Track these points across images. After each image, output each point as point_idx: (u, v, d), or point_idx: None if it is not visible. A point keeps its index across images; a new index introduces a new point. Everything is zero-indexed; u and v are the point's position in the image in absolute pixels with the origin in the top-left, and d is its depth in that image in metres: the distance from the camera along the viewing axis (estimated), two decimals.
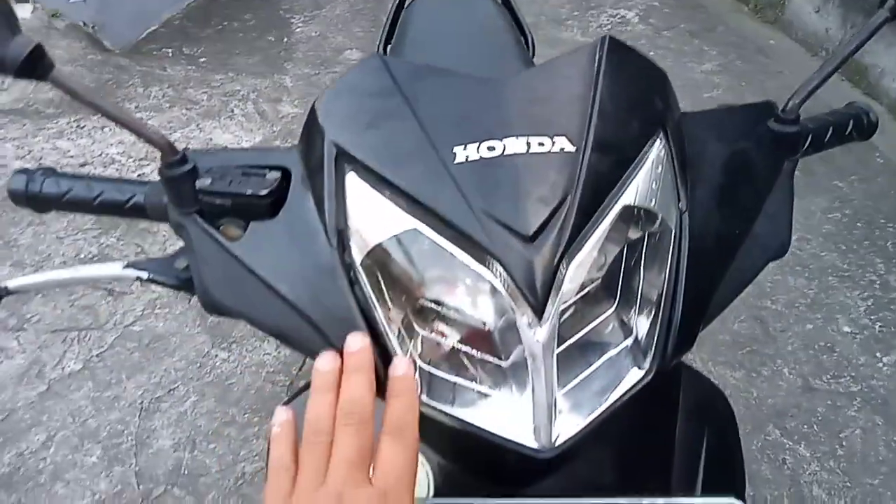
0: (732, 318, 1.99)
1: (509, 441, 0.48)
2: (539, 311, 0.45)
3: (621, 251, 0.52)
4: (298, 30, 3.41)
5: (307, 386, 0.65)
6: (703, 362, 1.88)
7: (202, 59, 3.14)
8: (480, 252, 0.46)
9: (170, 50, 3.18)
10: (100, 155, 2.57)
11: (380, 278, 0.50)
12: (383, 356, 0.49)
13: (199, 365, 1.90)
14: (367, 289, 0.49)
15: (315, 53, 3.23)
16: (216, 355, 1.92)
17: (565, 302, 0.48)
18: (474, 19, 1.29)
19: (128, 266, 0.61)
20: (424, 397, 0.50)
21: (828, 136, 0.65)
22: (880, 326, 1.98)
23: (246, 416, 1.78)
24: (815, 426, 1.73)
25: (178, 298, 2.07)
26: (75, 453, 1.69)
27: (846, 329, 1.98)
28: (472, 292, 0.49)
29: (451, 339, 0.51)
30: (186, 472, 1.66)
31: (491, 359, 0.50)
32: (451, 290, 0.50)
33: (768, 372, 1.86)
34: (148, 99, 2.87)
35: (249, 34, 3.35)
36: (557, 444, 0.48)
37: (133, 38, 3.18)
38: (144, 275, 0.61)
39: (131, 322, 2.01)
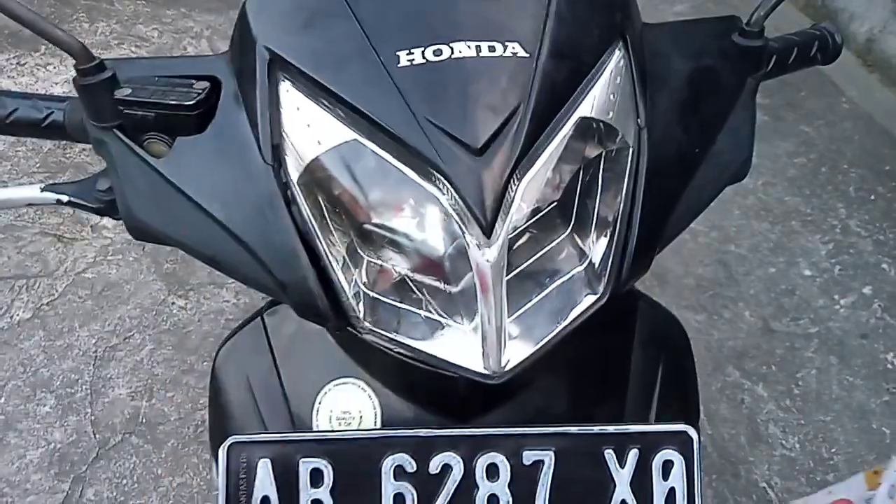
0: (696, 262, 2.00)
1: (457, 366, 0.46)
2: (488, 231, 0.42)
3: (577, 172, 0.49)
4: None
5: (246, 323, 0.62)
6: (666, 306, 1.89)
7: None
8: (425, 166, 0.42)
9: None
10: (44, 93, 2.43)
11: (321, 199, 0.46)
12: (324, 282, 0.46)
13: (154, 313, 1.85)
14: (306, 209, 0.45)
15: None
16: (173, 303, 1.87)
17: (516, 224, 0.45)
18: None
19: (46, 188, 0.56)
20: (368, 324, 0.47)
21: (792, 56, 0.62)
22: (839, 270, 2.01)
23: (205, 363, 1.74)
24: (772, 367, 1.77)
25: (132, 245, 2.00)
26: (27, 403, 1.64)
27: (807, 272, 2.00)
28: (419, 215, 0.46)
29: (398, 265, 0.48)
30: (144, 421, 1.62)
31: (439, 285, 0.48)
32: (396, 212, 0.46)
33: (729, 314, 1.88)
34: (94, 35, 2.71)
35: None
36: (507, 369, 0.46)
37: None
38: (64, 198, 0.56)
39: (83, 269, 1.94)
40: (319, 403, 0.55)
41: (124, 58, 0.53)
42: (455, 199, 0.42)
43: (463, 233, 0.43)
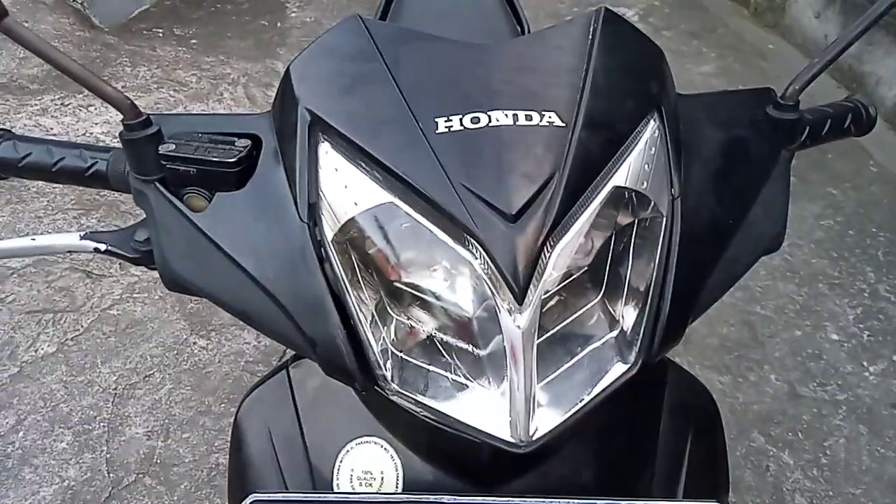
0: (721, 322, 1.97)
1: (484, 433, 0.46)
2: (520, 297, 0.42)
3: (609, 238, 0.49)
4: (293, 14, 3.36)
5: (271, 375, 0.62)
6: (689, 365, 1.85)
7: (193, 41, 3.08)
8: (459, 230, 0.43)
9: (160, 30, 3.12)
10: (83, 133, 2.51)
11: (353, 258, 0.47)
12: (353, 341, 0.46)
13: (176, 352, 1.86)
14: (339, 268, 0.46)
15: (308, 39, 3.17)
16: (194, 343, 1.88)
17: (548, 290, 0.45)
18: (473, 2, 1.27)
19: (85, 237, 0.58)
20: (395, 385, 0.47)
21: (826, 128, 0.62)
22: (868, 335, 1.96)
23: (222, 405, 1.74)
24: (799, 433, 1.72)
25: (158, 283, 2.02)
26: (45, 438, 1.65)
27: (834, 337, 1.96)
28: (450, 276, 0.46)
29: (427, 325, 0.48)
30: (159, 461, 1.62)
31: (468, 347, 0.47)
32: (428, 273, 0.47)
33: (755, 377, 1.84)
34: (136, 79, 2.82)
35: (242, 17, 3.29)
36: (535, 438, 0.45)
37: (123, 16, 3.12)
38: (102, 246, 0.58)
39: (109, 305, 1.96)
40: (341, 462, 0.54)
41: (169, 113, 0.55)
42: (488, 265, 0.42)
43: (495, 298, 0.43)
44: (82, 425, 1.68)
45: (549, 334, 0.47)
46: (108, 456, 1.62)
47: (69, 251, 0.59)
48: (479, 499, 0.47)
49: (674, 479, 0.57)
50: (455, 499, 0.46)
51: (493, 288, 0.43)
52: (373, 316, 0.47)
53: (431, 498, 0.46)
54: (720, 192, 0.53)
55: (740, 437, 1.70)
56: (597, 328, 0.50)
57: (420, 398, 0.47)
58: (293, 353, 0.61)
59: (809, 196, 2.45)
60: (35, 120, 2.53)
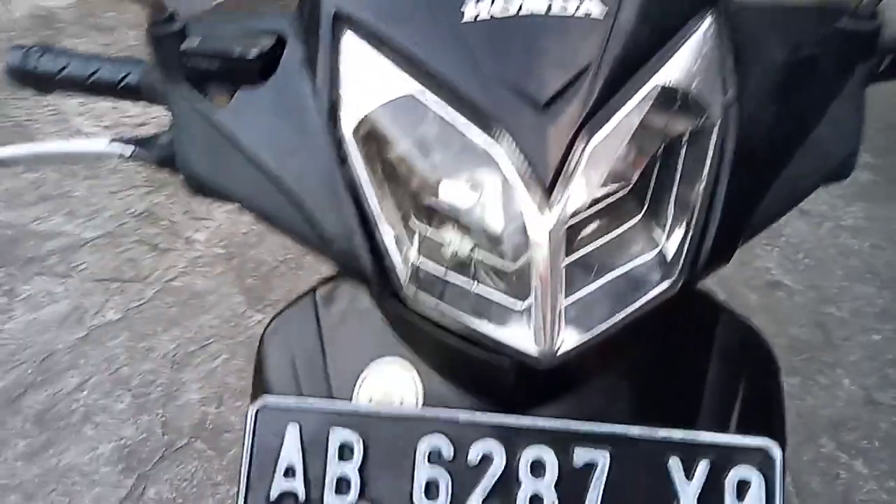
0: (791, 322, 1.86)
1: (504, 345, 0.43)
2: (548, 189, 0.39)
3: (653, 157, 0.45)
4: None
5: (299, 298, 0.61)
6: None
7: None
8: (486, 120, 0.40)
9: None
10: (157, 117, 2.61)
11: (376, 167, 0.45)
12: (372, 244, 0.44)
13: (233, 324, 1.90)
14: (360, 166, 0.44)
15: None
16: (251, 316, 1.92)
17: (582, 203, 0.42)
18: None
19: (113, 141, 0.59)
20: (412, 290, 0.44)
21: None
22: None
23: None
24: (875, 442, 1.59)
25: (220, 258, 2.08)
26: (106, 398, 1.71)
27: None
28: (475, 187, 0.44)
29: (452, 242, 0.46)
30: (211, 427, 1.65)
31: (495, 262, 0.45)
32: (453, 183, 0.44)
33: (826, 381, 1.72)
34: None
35: None
36: (559, 353, 0.42)
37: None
38: (129, 150, 0.58)
39: (172, 277, 2.03)
40: (361, 383, 0.53)
41: (195, 13, 0.55)
42: (515, 156, 0.40)
43: (521, 195, 0.40)
44: (141, 388, 1.73)
45: (582, 252, 0.44)
46: (164, 419, 1.67)
47: (97, 158, 0.60)
48: (500, 417, 0.44)
49: (722, 422, 0.52)
50: (473, 416, 0.44)
51: (520, 182, 0.40)
52: (394, 224, 0.45)
53: (449, 413, 0.44)
54: (782, 104, 0.48)
55: (808, 442, 1.59)
56: (635, 250, 0.46)
57: (439, 307, 0.44)
58: (322, 279, 0.60)
59: (894, 197, 2.29)
60: (114, 102, 2.65)
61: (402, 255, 0.44)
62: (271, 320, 0.60)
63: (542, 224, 0.40)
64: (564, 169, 0.40)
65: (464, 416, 0.44)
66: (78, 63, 0.57)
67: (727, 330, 0.56)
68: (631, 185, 0.46)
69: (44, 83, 0.58)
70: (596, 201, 0.44)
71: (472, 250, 0.46)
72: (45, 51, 0.57)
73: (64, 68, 0.56)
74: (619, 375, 0.52)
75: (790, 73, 0.49)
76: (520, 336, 0.43)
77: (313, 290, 0.60)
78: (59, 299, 1.95)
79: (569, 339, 0.42)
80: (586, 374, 0.51)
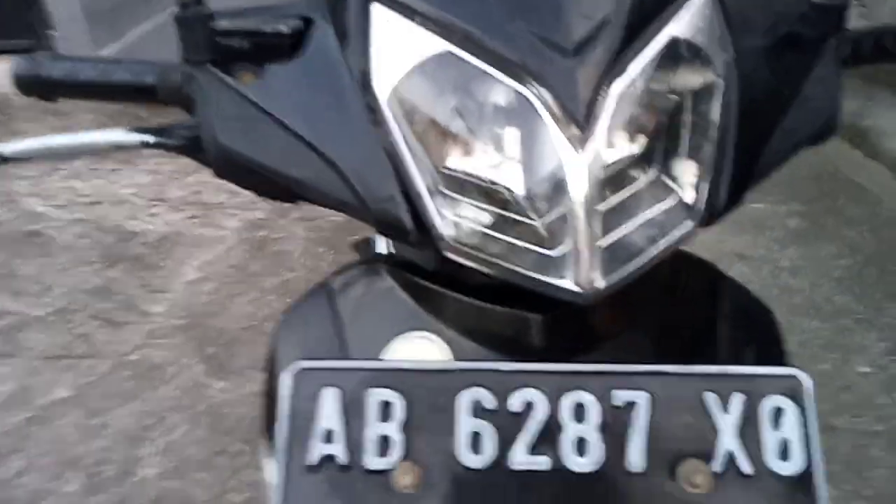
0: None
1: (544, 283, 0.44)
2: (583, 125, 0.42)
3: (667, 115, 0.49)
4: None
5: (314, 289, 0.61)
6: None
7: None
8: (518, 68, 0.43)
9: None
10: (112, 195, 2.60)
11: (411, 133, 0.47)
12: (409, 203, 0.46)
13: (194, 394, 1.84)
14: (394, 129, 0.46)
15: None
16: (212, 385, 1.86)
17: (610, 148, 0.45)
18: None
19: (132, 130, 0.58)
20: (451, 237, 0.46)
21: (882, 40, 0.60)
22: None
23: (238, 445, 1.70)
24: (837, 465, 1.63)
25: (178, 330, 2.03)
26: (55, 481, 1.61)
27: (864, 369, 1.90)
28: (507, 146, 0.46)
29: (482, 200, 0.48)
30: (171, 502, 1.57)
31: (527, 220, 0.46)
32: (484, 145, 0.47)
33: None
34: None
35: None
36: (600, 286, 0.44)
37: None
38: (150, 139, 0.58)
39: (129, 351, 1.97)
40: (385, 357, 0.53)
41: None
42: (549, 99, 0.42)
43: (556, 136, 0.42)
44: (95, 467, 1.64)
45: (611, 202, 0.46)
46: (120, 498, 1.58)
47: (117, 147, 0.59)
48: (539, 366, 0.45)
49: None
50: (513, 366, 0.45)
51: (554, 124, 0.43)
52: (429, 184, 0.47)
53: (489, 365, 0.45)
54: (773, 64, 0.53)
55: None
56: (657, 198, 0.49)
57: (477, 253, 0.46)
58: (334, 271, 0.61)
59: (825, 238, 2.45)
60: (67, 182, 2.63)
61: (439, 210, 0.46)
62: (282, 319, 0.60)
63: (579, 161, 0.42)
64: (594, 110, 0.43)
65: (504, 366, 0.45)
66: (88, 68, 0.57)
67: (732, 297, 0.59)
68: (648, 141, 0.49)
69: (54, 90, 0.57)
70: (615, 164, 0.47)
71: (505, 208, 0.47)
72: (53, 57, 0.57)
73: (74, 72, 0.56)
74: (638, 331, 0.54)
75: (775, 39, 0.54)
76: (559, 276, 0.44)
77: (325, 281, 0.60)
78: (3, 380, 1.86)
79: (607, 276, 0.44)
80: (609, 329, 0.53)
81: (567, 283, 0.44)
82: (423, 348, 0.52)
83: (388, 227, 0.49)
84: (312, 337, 0.57)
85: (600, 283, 0.44)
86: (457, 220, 0.47)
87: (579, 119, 0.42)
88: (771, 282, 2.24)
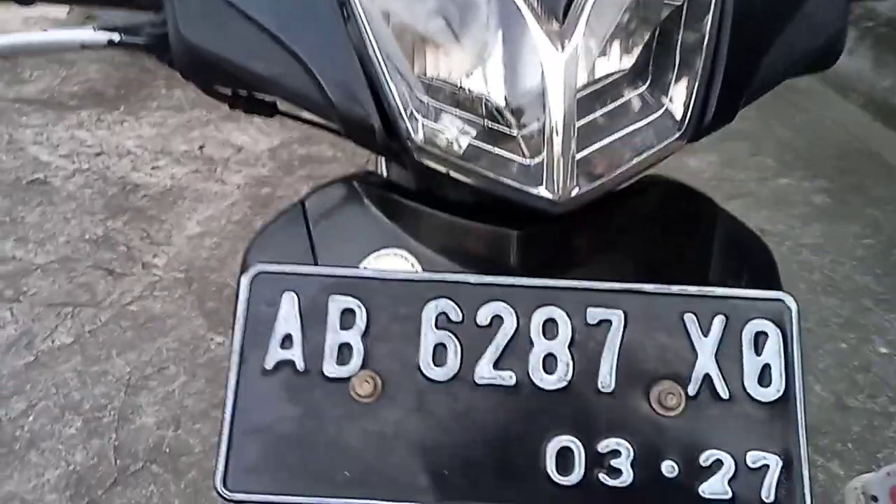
0: None
1: (516, 189, 0.42)
2: (561, 17, 0.40)
3: (654, 30, 0.45)
4: None
5: (287, 209, 0.57)
6: None
7: None
8: None
9: None
10: (116, 146, 2.57)
11: (381, 23, 0.44)
12: (377, 102, 0.44)
13: (193, 347, 1.81)
14: (364, 24, 0.44)
15: None
16: (212, 339, 1.84)
17: (590, 52, 0.42)
18: None
19: (99, 28, 0.56)
20: (420, 139, 0.43)
21: None
22: None
23: None
24: (849, 444, 1.59)
25: (179, 283, 2.00)
26: (55, 423, 1.60)
27: (883, 350, 1.84)
28: (482, 53, 0.43)
29: (460, 113, 0.45)
30: (168, 451, 1.55)
31: (506, 130, 0.44)
32: (459, 52, 0.43)
33: None
34: (170, 100, 2.90)
35: None
36: (574, 194, 0.41)
37: None
38: (116, 37, 0.56)
39: (129, 302, 1.94)
40: None
41: None
42: None
43: (533, 30, 0.40)
44: (92, 413, 1.63)
45: (593, 116, 0.44)
46: (117, 443, 1.56)
47: (83, 46, 0.57)
48: (510, 279, 0.42)
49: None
50: (483, 278, 0.42)
51: (533, 19, 0.40)
52: (398, 82, 0.44)
53: (457, 277, 0.42)
54: None
55: None
56: (643, 112, 0.46)
57: (447, 156, 0.43)
58: (309, 191, 0.58)
59: (848, 217, 2.38)
60: (71, 132, 2.60)
61: (409, 110, 0.44)
62: (254, 237, 0.57)
63: (558, 60, 0.40)
64: (573, 9, 0.40)
65: (473, 278, 0.42)
66: None
67: (726, 230, 0.56)
68: (639, 56, 0.45)
69: None
70: (602, 78, 0.44)
71: (483, 118, 0.45)
72: None
73: None
74: (621, 255, 0.51)
75: None
76: (534, 184, 0.42)
77: (301, 201, 0.57)
78: (5, 325, 1.84)
79: (582, 184, 0.42)
80: (589, 251, 0.50)
81: (541, 191, 0.42)
82: (395, 265, 0.50)
83: (355, 129, 0.46)
84: (284, 255, 0.55)
85: (575, 190, 0.42)
86: (432, 125, 0.44)
87: (558, 13, 0.40)
88: (791, 258, 2.18)
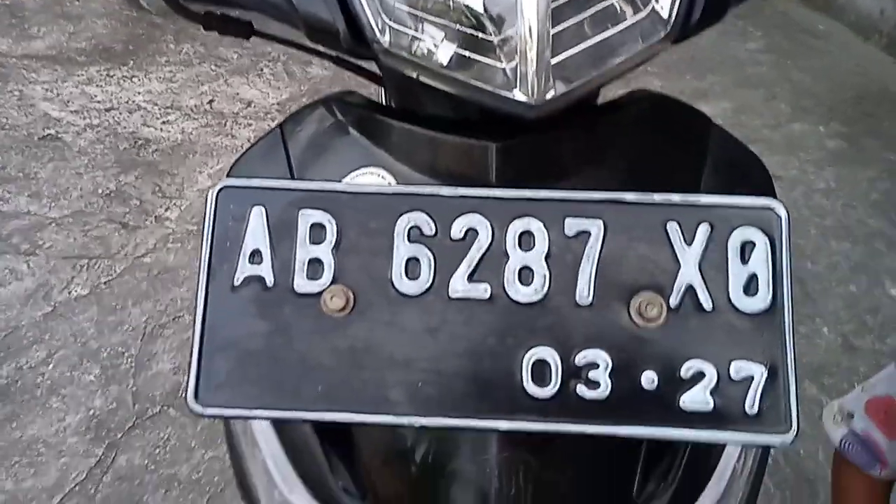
0: None
1: (489, 93, 0.41)
2: None
3: None
4: None
5: (264, 135, 0.58)
6: None
7: None
8: None
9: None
10: (126, 102, 2.57)
11: None
12: (344, 8, 0.43)
13: None
14: None
15: None
16: None
17: None
18: None
19: None
20: (386, 42, 0.42)
21: None
22: None
23: None
24: (854, 384, 1.59)
25: (192, 235, 2.03)
26: (74, 371, 1.65)
27: (893, 292, 1.83)
28: None
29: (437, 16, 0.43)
30: (184, 395, 1.59)
31: (482, 36, 0.42)
32: None
33: (805, 330, 1.73)
34: (178, 55, 2.88)
35: None
36: (549, 97, 0.40)
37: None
38: None
39: (142, 254, 1.97)
40: None
41: None
42: None
43: None
44: (110, 360, 1.67)
45: (573, 20, 0.42)
46: (134, 389, 1.61)
47: None
48: (485, 191, 0.41)
49: None
50: (456, 191, 0.41)
51: None
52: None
53: (430, 190, 0.41)
54: None
55: None
56: (626, 12, 0.44)
57: (415, 59, 0.42)
58: (286, 116, 0.58)
59: (863, 161, 2.33)
60: (81, 88, 2.60)
61: (375, 12, 0.42)
62: (232, 165, 0.57)
63: None
64: None
65: (447, 191, 0.41)
66: None
67: (719, 145, 0.54)
68: None
69: None
70: None
71: (459, 24, 0.43)
72: None
73: None
74: (605, 168, 0.50)
75: None
76: (509, 87, 0.41)
77: (279, 125, 0.57)
78: (23, 277, 1.89)
79: (559, 87, 0.41)
80: (572, 164, 0.49)
81: (516, 94, 0.41)
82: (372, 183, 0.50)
83: (319, 32, 0.45)
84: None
85: (551, 93, 0.40)
86: (400, 28, 0.43)
87: None
88: (803, 202, 2.15)
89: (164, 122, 2.49)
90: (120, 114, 2.51)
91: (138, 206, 2.14)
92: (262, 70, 2.85)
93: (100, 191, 2.18)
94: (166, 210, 2.13)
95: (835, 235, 2.02)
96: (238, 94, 2.70)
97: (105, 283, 1.89)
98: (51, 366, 1.66)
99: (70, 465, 1.45)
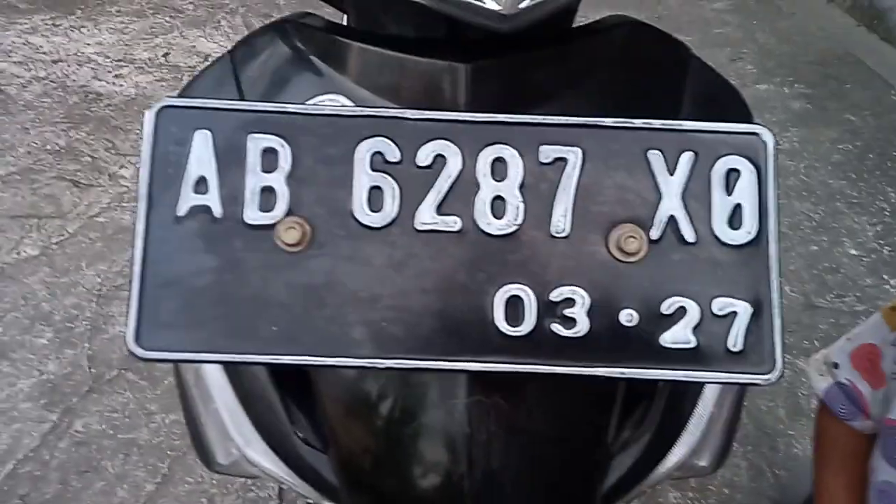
0: None
1: (461, 2, 0.38)
2: None
3: None
4: None
5: (211, 64, 0.54)
6: None
7: None
8: None
9: None
10: (75, 53, 2.44)
11: None
12: None
13: None
14: None
15: None
16: None
17: None
18: None
19: None
20: None
21: None
22: (889, 251, 1.87)
23: None
24: (815, 342, 1.63)
25: None
26: (25, 334, 1.58)
27: (853, 252, 1.87)
28: None
29: None
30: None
31: None
32: None
33: None
34: (130, 4, 2.74)
35: None
36: (522, 6, 0.38)
37: None
38: None
39: (96, 213, 1.89)
40: None
41: None
42: None
43: None
44: (64, 323, 1.61)
45: None
46: (90, 353, 1.56)
47: None
48: (454, 115, 0.38)
49: None
50: (422, 114, 0.38)
51: None
52: None
53: (394, 112, 0.38)
54: None
55: None
56: None
57: None
58: (236, 43, 0.53)
59: (826, 122, 2.35)
60: (24, 38, 2.46)
61: None
62: (179, 94, 0.52)
63: None
64: None
65: (412, 114, 0.38)
66: None
67: (698, 74, 0.52)
68: None
69: None
70: None
71: None
72: None
73: None
74: (582, 95, 0.47)
75: None
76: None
77: (229, 51, 0.52)
78: None
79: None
80: (547, 89, 0.47)
81: (488, 2, 0.38)
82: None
83: None
84: None
85: (525, 2, 0.38)
86: None
87: None
88: None
89: (116, 76, 2.37)
90: (69, 66, 2.39)
91: (90, 164, 2.04)
92: (219, 22, 2.73)
93: (49, 147, 2.08)
94: (120, 168, 2.04)
95: (798, 196, 2.04)
96: (195, 46, 2.58)
97: (56, 243, 1.81)
98: (0, 329, 1.59)
99: (23, 431, 1.40)
